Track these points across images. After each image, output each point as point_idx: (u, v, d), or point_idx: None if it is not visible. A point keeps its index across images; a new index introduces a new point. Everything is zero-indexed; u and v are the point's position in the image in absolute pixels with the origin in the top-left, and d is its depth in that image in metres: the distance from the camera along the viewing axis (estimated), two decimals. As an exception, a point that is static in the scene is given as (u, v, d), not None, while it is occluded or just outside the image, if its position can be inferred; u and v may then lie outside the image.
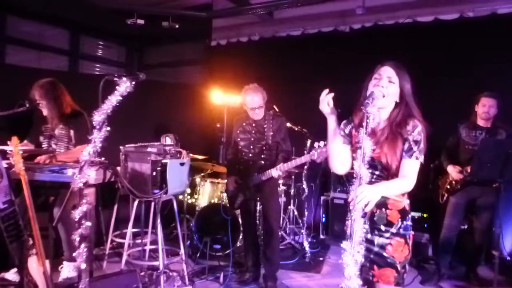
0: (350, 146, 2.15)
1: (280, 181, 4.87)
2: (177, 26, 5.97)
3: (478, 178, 3.64)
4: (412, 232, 2.06)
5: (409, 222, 2.05)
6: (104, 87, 2.80)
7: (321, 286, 3.91)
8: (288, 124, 4.41)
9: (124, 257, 3.71)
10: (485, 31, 4.89)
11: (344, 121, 2.20)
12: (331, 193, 5.36)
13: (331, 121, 2.07)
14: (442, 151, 4.13)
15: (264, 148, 3.73)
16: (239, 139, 3.85)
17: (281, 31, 6.38)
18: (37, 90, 3.61)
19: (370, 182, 1.86)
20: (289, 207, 5.30)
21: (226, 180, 4.01)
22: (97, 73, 7.73)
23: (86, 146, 2.42)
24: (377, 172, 2.03)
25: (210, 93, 5.91)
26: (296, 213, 5.34)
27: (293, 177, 5.26)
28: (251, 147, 3.78)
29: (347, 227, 2.18)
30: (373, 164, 1.99)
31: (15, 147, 2.55)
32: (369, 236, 2.02)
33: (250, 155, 3.78)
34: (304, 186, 5.21)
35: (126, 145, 3.54)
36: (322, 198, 5.50)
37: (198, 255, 4.39)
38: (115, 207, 4.28)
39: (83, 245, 2.47)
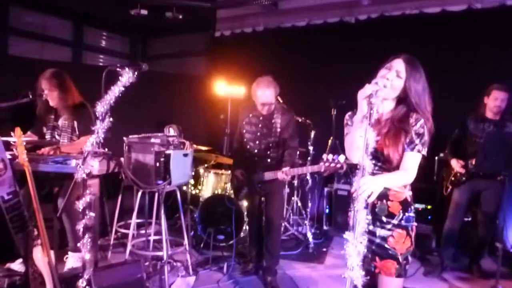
0: None
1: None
2: (180, 17, 5.94)
3: (483, 170, 3.62)
4: (415, 224, 2.06)
5: (412, 214, 2.04)
6: (107, 78, 2.80)
7: (324, 277, 3.92)
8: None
9: (129, 248, 3.73)
10: (494, 22, 4.83)
11: (349, 113, 2.18)
12: (334, 185, 5.37)
13: (365, 105, 1.89)
14: (448, 144, 4.11)
15: (271, 145, 3.63)
16: (244, 131, 3.74)
17: (286, 22, 6.32)
18: (47, 80, 3.59)
19: (372, 174, 1.84)
20: (292, 198, 5.31)
21: (229, 172, 4.01)
22: (100, 64, 7.72)
23: (90, 137, 2.42)
24: (379, 164, 2.02)
25: (214, 84, 5.90)
26: (299, 204, 5.35)
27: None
28: (257, 142, 3.67)
29: (349, 218, 2.18)
30: (375, 155, 1.97)
31: (19, 138, 2.56)
32: (371, 227, 2.02)
33: (256, 150, 3.68)
34: (308, 177, 5.21)
35: (130, 136, 3.54)
36: (326, 189, 5.50)
37: (201, 245, 4.41)
38: (119, 198, 4.30)
39: (87, 236, 2.48)
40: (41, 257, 2.53)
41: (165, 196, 3.56)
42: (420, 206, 4.80)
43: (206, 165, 5.20)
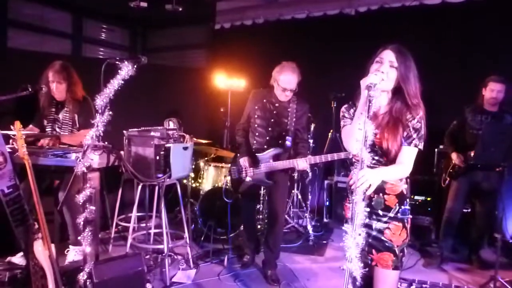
0: None
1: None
2: (180, 9, 5.91)
3: (481, 162, 3.63)
4: (410, 216, 2.07)
5: (407, 207, 2.06)
6: (106, 71, 2.79)
7: (325, 269, 3.94)
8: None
9: (129, 241, 3.74)
10: (494, 13, 4.80)
11: (346, 105, 2.18)
12: (334, 177, 5.37)
13: (364, 96, 1.85)
14: (445, 135, 4.11)
15: (284, 133, 3.49)
16: (256, 116, 3.55)
17: (286, 14, 6.31)
18: (57, 72, 3.61)
19: (369, 167, 1.85)
20: (293, 191, 5.32)
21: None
22: (100, 56, 7.70)
23: (90, 130, 2.42)
24: (376, 157, 2.03)
25: (214, 77, 5.89)
26: (300, 196, 5.35)
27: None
28: (270, 129, 3.51)
29: (346, 211, 2.19)
30: (373, 149, 1.98)
31: (18, 131, 2.56)
32: (367, 220, 2.01)
33: (267, 137, 3.52)
34: (308, 170, 5.21)
35: (130, 129, 3.54)
36: (326, 182, 5.51)
37: (202, 238, 4.42)
38: (120, 191, 4.31)
39: (88, 229, 2.49)
40: (42, 250, 2.54)
41: (166, 189, 3.56)
42: (419, 198, 4.82)
43: (206, 158, 5.20)
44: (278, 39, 6.11)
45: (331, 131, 5.08)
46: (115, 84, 2.39)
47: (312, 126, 5.02)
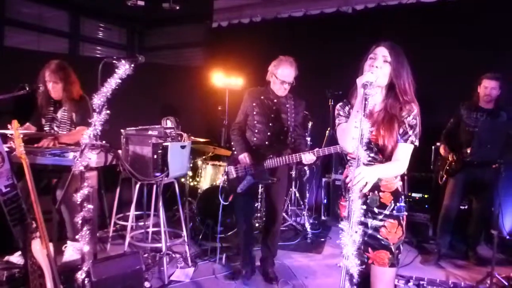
0: None
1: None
2: (177, 8, 5.90)
3: (478, 159, 3.65)
4: (405, 213, 2.08)
5: (403, 204, 2.07)
6: (104, 69, 2.79)
7: (322, 266, 3.95)
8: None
9: (127, 239, 3.75)
10: (491, 11, 4.82)
11: (340, 103, 2.19)
12: (332, 175, 5.38)
13: (360, 94, 1.88)
14: (443, 134, 4.13)
15: (285, 129, 3.44)
16: (254, 113, 3.45)
17: (283, 12, 6.31)
18: (53, 72, 3.60)
19: (364, 165, 1.85)
20: (290, 189, 5.32)
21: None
22: (97, 55, 7.68)
23: (87, 128, 2.43)
24: (372, 155, 2.04)
25: (212, 75, 5.88)
26: (297, 194, 5.37)
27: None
28: (270, 124, 3.42)
29: (341, 209, 2.20)
30: (369, 146, 1.99)
31: (16, 130, 2.56)
32: (362, 218, 2.02)
33: (269, 133, 3.43)
34: (306, 167, 5.22)
35: (127, 128, 3.55)
36: (324, 179, 5.52)
37: (200, 237, 4.43)
38: (118, 190, 4.31)
39: (86, 228, 2.49)
40: (39, 249, 2.55)
41: (163, 188, 3.56)
42: (417, 195, 4.83)
43: (204, 157, 5.21)
44: (276, 37, 6.11)
45: (329, 128, 5.09)
46: (112, 83, 2.40)
47: (310, 123, 5.03)
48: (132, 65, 2.47)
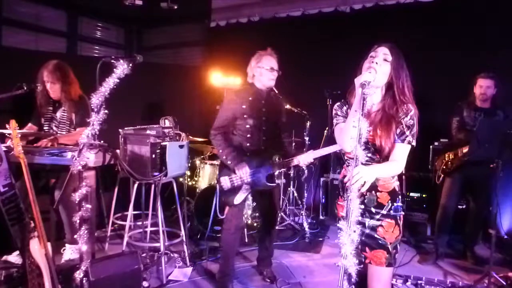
0: None
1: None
2: (175, 7, 5.89)
3: (476, 158, 3.65)
4: (402, 213, 2.09)
5: (400, 203, 2.07)
6: (102, 69, 2.79)
7: (321, 266, 3.95)
8: (288, 106, 4.39)
9: (126, 239, 3.75)
10: (490, 11, 4.83)
11: (338, 103, 2.20)
12: (330, 174, 5.39)
13: (358, 94, 1.87)
14: (454, 134, 3.98)
15: (278, 131, 3.34)
16: (245, 116, 3.17)
17: (281, 11, 6.31)
18: (50, 72, 3.59)
19: (362, 164, 1.86)
20: (288, 188, 5.33)
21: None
22: (95, 55, 7.67)
23: (86, 129, 2.42)
24: (369, 155, 2.04)
25: (210, 74, 5.88)
26: (295, 194, 5.37)
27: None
28: (264, 128, 3.21)
29: (338, 209, 2.20)
30: (367, 146, 2.00)
31: (14, 130, 2.55)
32: (360, 218, 2.02)
33: (264, 137, 3.22)
34: (304, 167, 5.21)
35: (125, 128, 3.55)
36: (322, 179, 5.53)
37: (198, 236, 4.43)
38: (116, 189, 4.31)
39: (84, 227, 2.49)
40: (38, 249, 2.54)
41: (162, 187, 3.55)
42: (415, 194, 4.85)
43: (202, 157, 5.21)
44: (274, 37, 6.07)
45: (327, 128, 5.09)
46: (110, 82, 2.40)
47: (308, 123, 5.03)
48: (130, 65, 2.46)
